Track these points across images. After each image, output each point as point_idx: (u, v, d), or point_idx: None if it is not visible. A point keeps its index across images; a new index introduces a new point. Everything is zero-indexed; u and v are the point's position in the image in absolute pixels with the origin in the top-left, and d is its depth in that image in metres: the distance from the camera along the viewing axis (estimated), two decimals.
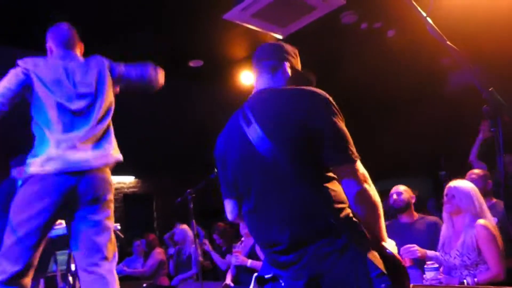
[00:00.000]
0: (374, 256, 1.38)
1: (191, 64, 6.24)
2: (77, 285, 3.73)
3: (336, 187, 1.44)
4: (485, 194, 2.96)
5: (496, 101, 1.23)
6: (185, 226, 5.11)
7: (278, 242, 1.43)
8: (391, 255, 1.43)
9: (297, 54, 1.71)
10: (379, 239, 1.46)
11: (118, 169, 8.86)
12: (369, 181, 1.46)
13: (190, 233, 5.09)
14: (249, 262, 3.71)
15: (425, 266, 2.51)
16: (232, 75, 6.54)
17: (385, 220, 3.24)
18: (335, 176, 1.46)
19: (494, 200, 3.09)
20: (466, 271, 2.53)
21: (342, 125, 1.45)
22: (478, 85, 1.29)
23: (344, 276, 1.36)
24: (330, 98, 1.48)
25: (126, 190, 8.11)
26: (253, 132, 1.47)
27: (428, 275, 2.45)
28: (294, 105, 1.46)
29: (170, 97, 6.82)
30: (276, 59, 1.63)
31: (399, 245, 2.83)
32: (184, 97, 6.90)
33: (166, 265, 5.20)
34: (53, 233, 3.56)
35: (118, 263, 5.52)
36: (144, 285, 4.16)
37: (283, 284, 1.45)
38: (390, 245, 1.48)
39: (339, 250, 1.37)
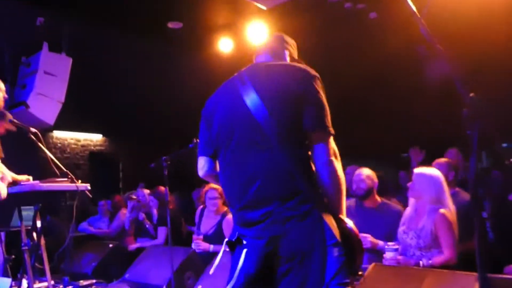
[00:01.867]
0: (333, 225, 1.50)
1: (170, 25, 6.09)
2: (42, 242, 3.71)
3: (306, 158, 1.59)
4: (447, 183, 3.13)
5: (477, 107, 1.31)
6: (146, 191, 5.10)
7: (248, 194, 1.56)
8: (349, 228, 1.55)
9: (296, 47, 1.90)
10: (339, 212, 1.57)
11: (86, 126, 8.65)
12: (338, 158, 1.61)
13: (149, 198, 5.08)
14: (211, 247, 3.70)
15: (386, 246, 2.67)
16: (211, 41, 6.45)
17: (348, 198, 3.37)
18: (306, 147, 1.61)
19: (457, 189, 3.24)
20: (419, 252, 2.71)
21: (325, 100, 1.63)
22: (460, 89, 1.37)
23: (302, 240, 1.50)
24: (318, 76, 1.66)
25: (92, 148, 7.96)
26: (249, 95, 1.61)
27: (388, 255, 2.61)
28: (288, 77, 1.64)
29: (146, 58, 6.68)
30: (279, 47, 1.83)
31: (361, 228, 2.98)
32: (160, 59, 6.76)
33: (131, 226, 5.22)
34: (18, 189, 3.51)
35: (82, 221, 5.51)
36: (110, 245, 4.18)
37: (245, 243, 1.59)
38: (348, 219, 1.59)
39: (301, 215, 1.50)
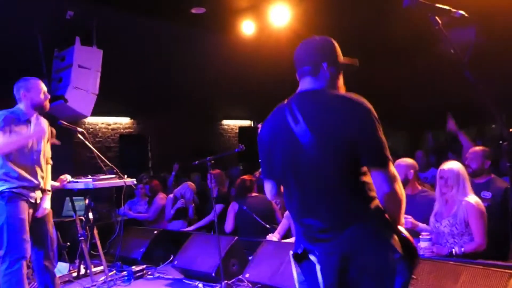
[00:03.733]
0: (395, 240, 1.66)
1: (193, 11, 6.17)
2: (95, 231, 4.04)
3: (368, 179, 1.68)
4: (482, 171, 3.30)
5: None
6: (192, 185, 5.45)
7: (316, 224, 1.69)
8: (405, 237, 1.72)
9: (336, 47, 1.81)
10: (397, 222, 1.72)
11: (114, 110, 8.98)
12: (399, 180, 1.69)
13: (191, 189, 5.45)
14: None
15: (420, 236, 2.88)
16: (234, 25, 6.51)
17: None
18: (367, 176, 1.69)
19: (492, 176, 3.39)
20: (452, 239, 2.94)
21: (380, 133, 1.63)
22: (498, 122, 1.52)
23: (372, 257, 1.63)
24: (371, 107, 1.64)
25: (122, 130, 8.25)
26: (301, 130, 1.67)
27: (422, 244, 2.83)
28: (339, 112, 1.65)
29: (171, 43, 6.81)
30: (314, 63, 1.76)
31: None
32: (185, 43, 6.87)
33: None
34: (73, 186, 3.80)
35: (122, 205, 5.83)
36: (155, 232, 4.49)
37: (316, 259, 1.70)
38: (403, 229, 1.75)
39: (369, 234, 1.64)
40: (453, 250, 2.84)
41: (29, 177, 3.11)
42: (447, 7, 1.65)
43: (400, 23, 5.77)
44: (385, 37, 6.35)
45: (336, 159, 1.63)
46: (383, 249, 1.63)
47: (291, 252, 1.80)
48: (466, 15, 1.63)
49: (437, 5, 1.62)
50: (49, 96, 3.35)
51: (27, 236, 3.00)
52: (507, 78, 6.46)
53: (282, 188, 1.88)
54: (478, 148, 3.43)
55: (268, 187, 1.91)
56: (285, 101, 1.80)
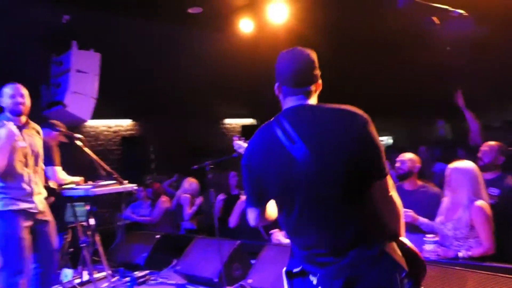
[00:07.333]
0: (400, 257, 1.59)
1: (190, 11, 6.12)
2: (97, 237, 4.01)
3: (370, 202, 1.61)
4: (494, 167, 3.19)
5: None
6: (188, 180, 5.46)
7: (320, 248, 1.61)
8: (410, 249, 1.66)
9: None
10: (398, 235, 1.67)
11: (115, 113, 8.94)
12: (394, 189, 1.69)
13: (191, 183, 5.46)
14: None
15: (425, 238, 2.81)
16: (232, 23, 6.45)
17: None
18: (369, 191, 1.61)
19: (501, 173, 3.25)
20: (456, 242, 2.85)
21: (380, 144, 1.59)
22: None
23: (379, 280, 1.56)
24: (369, 118, 1.58)
25: (123, 133, 8.23)
26: (297, 148, 1.54)
27: (428, 247, 2.76)
28: (338, 126, 1.56)
29: (168, 43, 6.76)
30: (312, 83, 1.68)
31: None
32: (183, 43, 6.83)
33: (171, 213, 5.51)
34: (73, 193, 3.77)
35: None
36: (157, 236, 4.46)
37: (315, 282, 1.62)
38: (406, 240, 1.69)
39: (375, 256, 1.56)
40: (459, 253, 2.76)
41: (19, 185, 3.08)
42: (445, 6, 1.58)
43: (393, 18, 5.69)
44: (380, 32, 6.26)
45: (336, 176, 1.53)
46: (389, 270, 1.57)
47: (284, 269, 1.72)
48: (465, 13, 1.56)
49: (434, 4, 1.56)
50: (19, 100, 3.13)
51: (25, 251, 2.99)
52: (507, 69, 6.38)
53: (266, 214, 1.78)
54: (493, 142, 3.29)
55: (252, 215, 1.76)
56: (272, 120, 1.67)
